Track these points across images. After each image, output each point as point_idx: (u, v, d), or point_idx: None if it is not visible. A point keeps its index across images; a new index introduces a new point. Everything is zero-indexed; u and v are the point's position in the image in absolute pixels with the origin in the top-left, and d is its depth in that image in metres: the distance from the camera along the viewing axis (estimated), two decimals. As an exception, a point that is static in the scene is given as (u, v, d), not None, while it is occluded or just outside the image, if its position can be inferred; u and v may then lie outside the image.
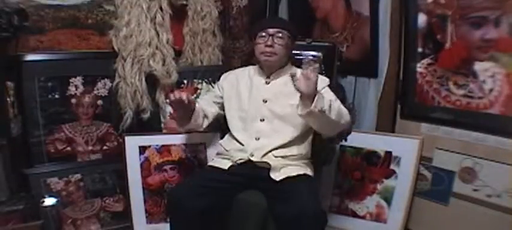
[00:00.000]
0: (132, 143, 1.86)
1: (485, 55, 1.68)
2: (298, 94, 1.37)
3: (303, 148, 1.61)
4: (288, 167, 1.54)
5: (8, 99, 1.72)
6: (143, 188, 1.87)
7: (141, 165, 1.87)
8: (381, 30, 2.05)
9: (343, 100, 1.79)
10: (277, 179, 1.49)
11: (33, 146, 1.82)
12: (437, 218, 1.89)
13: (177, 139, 1.90)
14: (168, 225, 1.63)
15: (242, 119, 1.63)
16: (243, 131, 1.62)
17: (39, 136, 1.83)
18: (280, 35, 1.57)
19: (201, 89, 2.02)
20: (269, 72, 1.64)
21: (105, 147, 1.98)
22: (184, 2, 2.01)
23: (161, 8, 1.89)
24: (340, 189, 2.07)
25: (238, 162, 1.56)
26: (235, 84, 1.70)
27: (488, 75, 1.69)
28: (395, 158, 1.96)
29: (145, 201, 1.87)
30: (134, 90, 1.86)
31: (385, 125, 2.08)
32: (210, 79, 2.02)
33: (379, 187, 1.99)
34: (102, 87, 1.94)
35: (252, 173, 1.54)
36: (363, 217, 2.00)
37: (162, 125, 2.00)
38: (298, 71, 1.39)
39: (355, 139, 2.01)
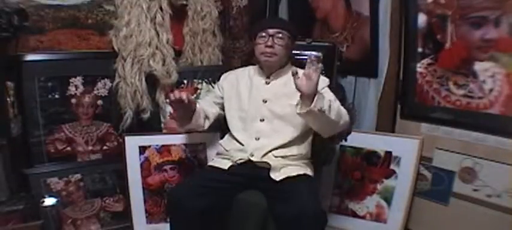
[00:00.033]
0: (132, 143, 1.86)
1: (485, 55, 1.68)
2: (298, 94, 1.37)
3: (303, 148, 1.61)
4: (288, 167, 1.54)
5: (8, 99, 1.72)
6: (143, 188, 1.87)
7: (141, 165, 1.87)
8: (381, 30, 2.05)
9: (343, 100, 1.80)
10: (277, 179, 1.50)
11: (33, 146, 1.82)
12: (437, 218, 1.89)
13: (177, 139, 1.90)
14: (168, 225, 1.63)
15: (242, 119, 1.63)
16: (243, 131, 1.62)
17: (39, 136, 1.83)
18: (280, 35, 1.57)
19: (201, 89, 2.02)
20: (269, 72, 1.64)
21: (105, 147, 1.98)
22: (184, 2, 2.01)
23: (161, 8, 1.89)
24: (340, 189, 2.07)
25: (238, 162, 1.56)
26: (235, 84, 1.70)
27: (488, 75, 1.69)
28: (395, 158, 1.96)
29: (145, 201, 1.87)
30: (134, 90, 1.86)
31: (385, 125, 2.08)
32: (210, 79, 2.02)
33: (379, 187, 1.98)
34: (102, 87, 1.94)
35: (252, 173, 1.54)
36: (363, 217, 2.00)
37: (162, 125, 2.00)
38: (300, 71, 1.39)
39: (355, 139, 2.01)
